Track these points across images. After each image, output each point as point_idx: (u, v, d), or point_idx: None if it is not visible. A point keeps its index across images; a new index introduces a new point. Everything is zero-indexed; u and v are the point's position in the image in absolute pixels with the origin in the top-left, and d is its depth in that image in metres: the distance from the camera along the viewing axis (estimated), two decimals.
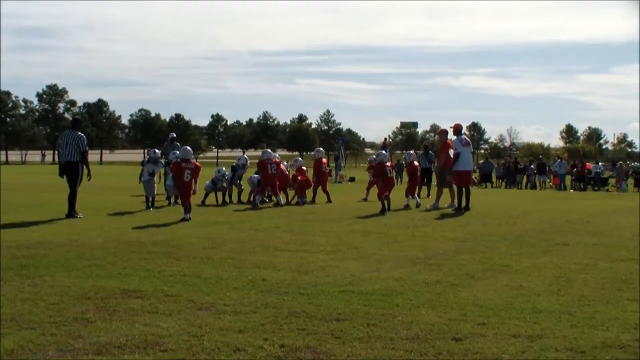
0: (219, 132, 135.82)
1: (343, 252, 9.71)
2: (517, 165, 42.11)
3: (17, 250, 9.26)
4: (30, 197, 20.09)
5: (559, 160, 40.85)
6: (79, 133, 14.64)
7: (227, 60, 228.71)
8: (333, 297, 6.62)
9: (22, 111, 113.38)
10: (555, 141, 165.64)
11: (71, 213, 14.01)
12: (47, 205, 16.51)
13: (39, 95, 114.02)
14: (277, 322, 5.64)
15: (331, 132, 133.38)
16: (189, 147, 15.44)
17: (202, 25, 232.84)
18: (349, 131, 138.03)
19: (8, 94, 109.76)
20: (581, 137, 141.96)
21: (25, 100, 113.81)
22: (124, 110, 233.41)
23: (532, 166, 40.87)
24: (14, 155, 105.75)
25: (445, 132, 19.55)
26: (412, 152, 19.52)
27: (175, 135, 21.71)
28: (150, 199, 16.87)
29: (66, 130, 15.24)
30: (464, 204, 16.85)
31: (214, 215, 15.15)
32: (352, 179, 40.46)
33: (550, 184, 39.82)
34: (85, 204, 15.31)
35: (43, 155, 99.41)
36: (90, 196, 18.51)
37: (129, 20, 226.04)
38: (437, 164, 19.49)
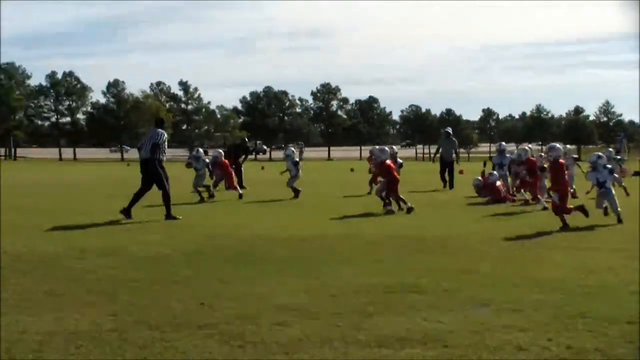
0: (491, 127, 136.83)
1: (631, 250, 8.95)
2: None
3: (299, 243, 9.78)
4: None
5: None
6: (159, 130, 13.44)
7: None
8: (622, 299, 6.13)
9: (298, 110, 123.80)
10: None
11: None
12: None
13: (313, 94, 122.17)
14: (561, 322, 5.35)
15: (611, 124, 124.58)
16: None
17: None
18: (631, 123, 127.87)
19: (285, 93, 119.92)
20: None
21: (300, 99, 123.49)
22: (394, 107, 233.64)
23: None
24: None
25: None
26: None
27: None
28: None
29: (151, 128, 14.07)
30: None
31: (485, 210, 14.82)
32: (637, 173, 37.24)
33: None
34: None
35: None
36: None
37: None
38: None
